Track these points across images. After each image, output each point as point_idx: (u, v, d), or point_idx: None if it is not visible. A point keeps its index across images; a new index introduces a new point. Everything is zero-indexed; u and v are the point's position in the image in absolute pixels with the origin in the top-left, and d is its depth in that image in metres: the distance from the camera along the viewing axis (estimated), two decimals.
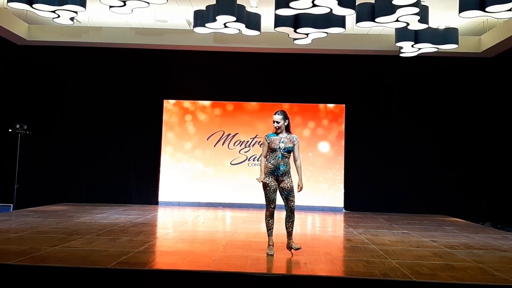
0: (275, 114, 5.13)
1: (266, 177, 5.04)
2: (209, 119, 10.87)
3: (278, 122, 5.07)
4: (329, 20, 6.97)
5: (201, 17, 7.26)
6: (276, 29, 7.23)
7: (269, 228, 5.12)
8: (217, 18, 6.81)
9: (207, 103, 10.91)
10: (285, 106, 10.79)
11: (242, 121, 10.84)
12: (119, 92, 10.74)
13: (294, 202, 5.10)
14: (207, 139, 10.84)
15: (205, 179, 10.76)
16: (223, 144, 10.82)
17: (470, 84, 10.42)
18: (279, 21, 7.08)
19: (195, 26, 7.45)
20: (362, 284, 4.17)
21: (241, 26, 7.16)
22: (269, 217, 5.12)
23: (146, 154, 10.72)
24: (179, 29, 9.78)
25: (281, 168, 5.03)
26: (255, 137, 10.80)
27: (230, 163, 10.79)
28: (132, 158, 10.67)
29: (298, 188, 5.08)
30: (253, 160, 10.76)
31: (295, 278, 4.25)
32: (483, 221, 9.30)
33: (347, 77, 10.66)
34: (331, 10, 6.33)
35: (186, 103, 10.91)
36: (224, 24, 7.08)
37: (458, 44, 7.79)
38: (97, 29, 9.84)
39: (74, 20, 7.67)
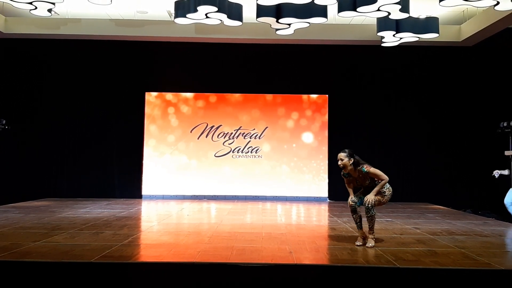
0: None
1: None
2: (192, 111, 10.80)
3: (341, 160, 5.11)
4: (311, 10, 6.95)
5: (182, 8, 7.16)
6: (258, 19, 7.19)
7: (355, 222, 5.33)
8: (198, 8, 6.74)
9: (189, 95, 10.83)
10: (269, 97, 10.80)
11: (225, 113, 10.79)
12: (99, 85, 10.60)
13: (369, 203, 5.04)
14: (191, 132, 10.77)
15: (189, 172, 10.71)
16: (206, 136, 10.77)
17: (451, 73, 10.54)
18: (261, 11, 7.04)
19: (176, 17, 7.36)
20: (347, 272, 4.20)
21: (223, 16, 7.10)
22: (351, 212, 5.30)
23: (129, 148, 10.62)
24: (160, 20, 9.65)
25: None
26: (239, 128, 10.77)
27: (214, 155, 10.75)
28: (115, 152, 10.56)
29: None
30: (237, 152, 10.74)
31: (280, 268, 4.26)
32: (464, 208, 9.45)
33: (329, 68, 10.69)
34: None
35: (169, 96, 10.82)
36: (206, 14, 7.00)
37: (438, 33, 7.85)
38: (76, 21, 9.65)
39: (52, 12, 7.53)
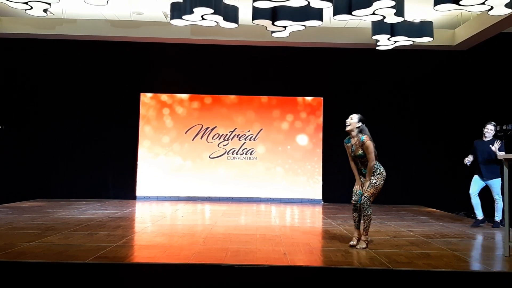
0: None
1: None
2: (187, 113, 10.80)
3: (351, 119, 5.33)
4: (307, 13, 6.98)
5: (178, 9, 7.17)
6: (254, 21, 7.20)
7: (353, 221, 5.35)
8: (194, 10, 6.74)
9: (184, 96, 10.83)
10: (264, 99, 10.82)
11: (220, 114, 10.80)
12: (94, 86, 10.58)
13: (363, 199, 5.14)
14: (185, 133, 10.77)
15: (183, 173, 10.70)
16: (201, 138, 10.77)
17: (446, 76, 10.61)
18: (257, 13, 7.05)
19: (172, 18, 7.36)
20: (341, 273, 4.22)
21: (219, 18, 7.11)
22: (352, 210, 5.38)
23: (123, 149, 10.60)
24: (156, 21, 9.65)
25: (363, 172, 5.34)
26: (234, 130, 10.78)
27: (209, 157, 10.75)
28: (109, 152, 10.54)
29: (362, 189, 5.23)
30: (232, 154, 10.75)
31: (275, 269, 4.28)
32: (457, 211, 9.50)
33: (324, 70, 10.73)
34: (309, 2, 6.35)
35: (164, 97, 10.82)
36: (202, 16, 7.01)
37: (433, 37, 7.91)
38: (71, 21, 9.63)
39: (48, 12, 7.51)
